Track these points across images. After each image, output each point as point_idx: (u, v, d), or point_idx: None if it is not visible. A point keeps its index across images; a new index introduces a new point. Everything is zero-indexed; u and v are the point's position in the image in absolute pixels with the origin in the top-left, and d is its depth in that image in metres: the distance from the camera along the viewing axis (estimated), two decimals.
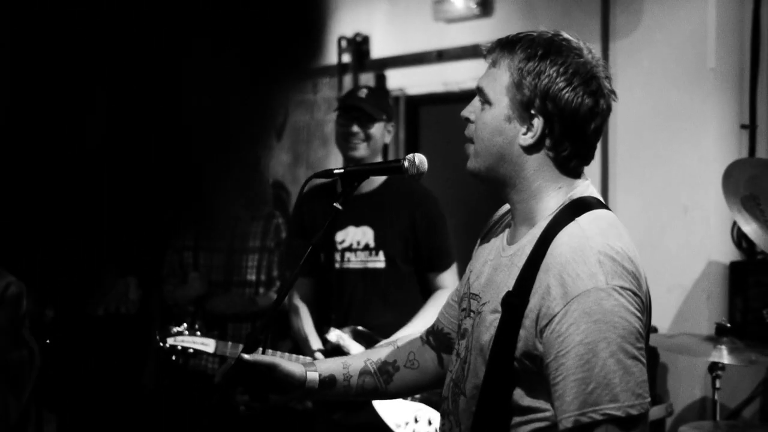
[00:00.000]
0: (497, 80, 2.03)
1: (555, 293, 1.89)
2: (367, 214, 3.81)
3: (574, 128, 2.00)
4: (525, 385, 1.97)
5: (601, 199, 2.10)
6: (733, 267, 4.73)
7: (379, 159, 3.88)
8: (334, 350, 3.66)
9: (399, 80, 6.64)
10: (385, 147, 4.06)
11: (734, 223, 4.71)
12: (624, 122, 5.19)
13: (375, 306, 3.79)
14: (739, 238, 4.76)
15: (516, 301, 1.96)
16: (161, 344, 3.71)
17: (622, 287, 1.88)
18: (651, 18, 5.04)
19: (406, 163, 2.42)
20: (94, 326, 4.96)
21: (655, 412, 4.62)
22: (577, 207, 2.02)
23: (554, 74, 1.98)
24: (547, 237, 1.97)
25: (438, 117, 6.51)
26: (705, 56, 4.84)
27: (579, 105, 1.99)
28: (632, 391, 1.84)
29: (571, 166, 2.06)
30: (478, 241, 2.34)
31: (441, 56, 6.30)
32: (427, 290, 3.87)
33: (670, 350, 4.47)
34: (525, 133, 2.02)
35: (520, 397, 1.98)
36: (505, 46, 2.06)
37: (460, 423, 2.11)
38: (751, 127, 4.73)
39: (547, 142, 2.02)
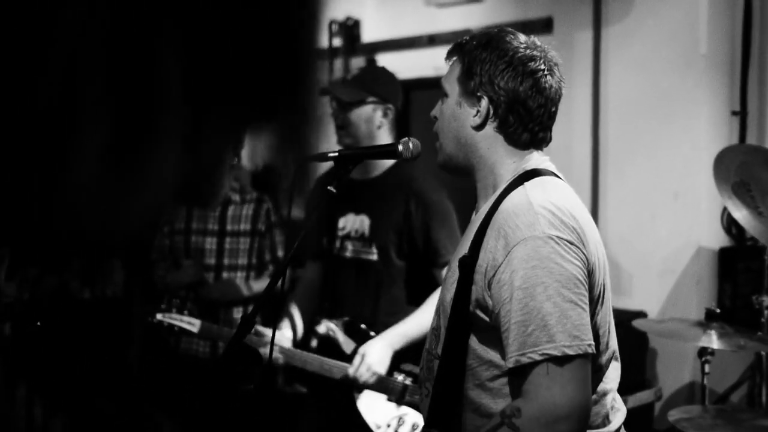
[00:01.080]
0: (452, 73, 2.25)
1: (499, 245, 2.05)
2: (367, 202, 3.65)
3: (517, 104, 2.18)
4: (483, 338, 2.13)
5: (557, 172, 2.26)
6: (723, 253, 4.75)
7: (378, 141, 3.61)
8: (323, 342, 3.62)
9: (390, 64, 6.59)
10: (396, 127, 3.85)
11: (724, 209, 4.73)
12: (615, 108, 5.20)
13: (365, 299, 3.67)
14: (729, 224, 4.78)
15: (469, 260, 2.13)
16: (149, 319, 3.75)
17: (558, 237, 2.03)
18: (643, 4, 5.04)
19: (400, 147, 2.44)
20: (81, 309, 4.95)
21: (644, 397, 4.65)
22: (528, 175, 2.18)
23: (495, 59, 2.18)
24: (498, 202, 2.14)
25: (429, 101, 6.45)
26: (697, 42, 4.85)
27: (519, 83, 2.18)
28: (569, 332, 1.98)
29: (522, 141, 2.23)
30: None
31: (432, 41, 6.30)
32: (426, 287, 3.60)
33: (659, 335, 4.49)
34: (475, 115, 2.21)
35: (484, 351, 2.13)
36: (461, 43, 2.27)
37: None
38: (741, 114, 4.74)
39: (496, 120, 2.21)
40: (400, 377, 3.37)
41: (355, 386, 3.41)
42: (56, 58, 0.64)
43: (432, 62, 6.22)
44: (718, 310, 3.95)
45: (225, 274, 4.53)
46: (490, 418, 2.10)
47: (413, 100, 6.74)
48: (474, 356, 2.16)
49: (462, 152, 2.27)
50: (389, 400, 3.39)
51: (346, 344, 3.56)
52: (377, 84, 3.75)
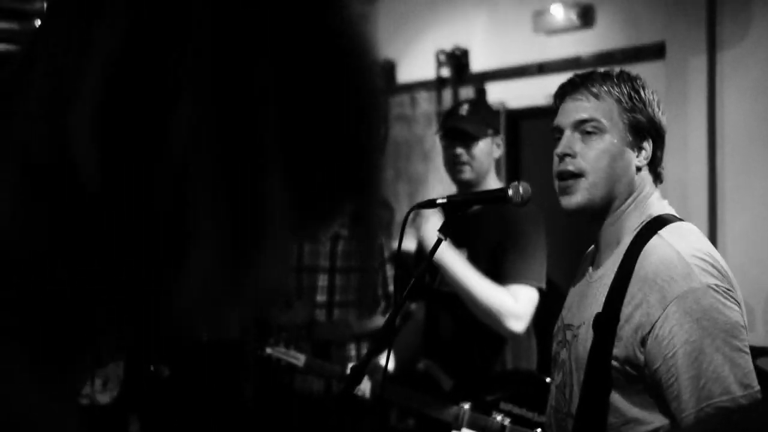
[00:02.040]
0: (606, 109, 2.17)
1: (652, 300, 1.98)
2: (465, 235, 3.50)
3: (664, 142, 2.23)
4: (627, 394, 2.05)
5: (677, 215, 2.23)
6: None
7: (491, 175, 3.59)
8: (423, 379, 3.57)
9: (499, 93, 6.58)
10: (498, 161, 3.85)
11: None
12: (732, 135, 5.04)
13: (462, 336, 3.62)
14: None
15: (606, 318, 2.06)
16: (259, 352, 3.80)
17: (716, 285, 1.98)
18: (760, 26, 4.88)
19: (510, 191, 2.39)
20: (198, 350, 4.99)
21: None
22: (657, 222, 2.14)
23: (651, 96, 2.20)
24: (633, 252, 2.08)
25: (539, 130, 6.41)
26: None
27: (664, 120, 2.24)
28: (740, 381, 1.93)
29: (660, 178, 2.26)
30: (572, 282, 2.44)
31: (542, 69, 6.23)
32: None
33: None
34: (638, 155, 2.19)
35: (627, 408, 2.05)
36: (603, 78, 2.21)
37: None
38: None
39: (651, 162, 2.22)
40: (498, 417, 3.29)
41: (454, 425, 3.35)
42: (169, 165, 0.66)
43: (542, 90, 6.14)
44: None
45: (337, 311, 4.49)
46: None
47: (523, 129, 6.67)
48: (617, 414, 2.07)
49: (614, 196, 2.19)
50: None
51: (446, 382, 3.51)
52: (492, 115, 3.77)
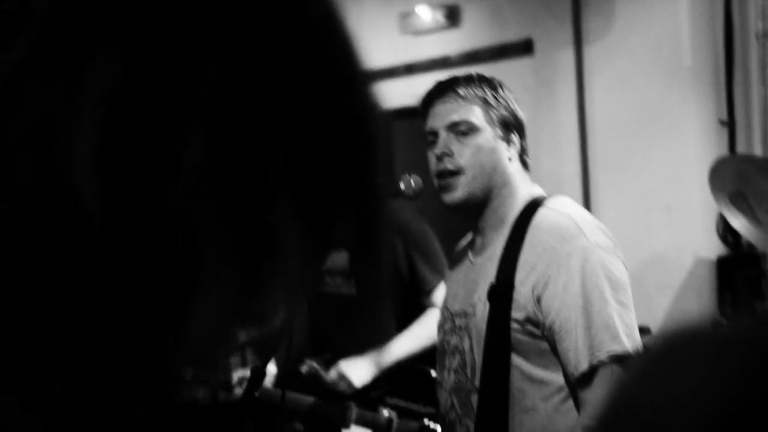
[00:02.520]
0: (471, 110, 2.33)
1: (546, 259, 2.14)
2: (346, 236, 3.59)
3: (524, 132, 2.43)
4: (531, 357, 2.18)
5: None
6: (721, 262, 4.76)
7: None
8: (308, 380, 3.56)
9: None
10: None
11: (719, 218, 4.74)
12: (602, 126, 5.21)
13: (348, 334, 3.63)
14: (725, 233, 4.79)
15: (501, 287, 2.20)
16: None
17: (605, 244, 2.17)
18: (624, 20, 5.07)
19: (402, 185, 2.42)
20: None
21: None
22: (539, 200, 2.33)
23: (506, 93, 2.41)
24: (521, 225, 2.24)
25: (410, 130, 6.47)
26: (680, 55, 4.88)
27: (524, 120, 2.45)
28: (627, 335, 2.09)
29: (528, 167, 2.43)
30: (447, 275, 2.60)
31: (410, 69, 6.29)
32: (414, 317, 3.58)
33: None
34: (509, 148, 2.37)
35: (531, 370, 2.18)
36: (466, 81, 2.38)
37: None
38: (730, 123, 4.76)
39: (520, 152, 2.41)
40: (385, 411, 3.32)
41: (342, 423, 3.35)
42: (176, 203, 0.64)
43: (411, 91, 6.19)
44: (724, 321, 3.96)
45: None
46: None
47: (393, 130, 6.74)
48: (521, 377, 2.19)
49: (491, 186, 2.34)
50: None
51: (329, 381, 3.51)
52: None
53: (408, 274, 3.52)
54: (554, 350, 2.15)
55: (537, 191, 2.38)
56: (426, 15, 6.18)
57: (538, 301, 2.15)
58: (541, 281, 2.14)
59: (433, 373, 3.26)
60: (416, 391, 3.28)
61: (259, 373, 2.39)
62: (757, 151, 4.67)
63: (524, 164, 2.41)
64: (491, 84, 2.39)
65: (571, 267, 2.11)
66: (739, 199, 4.20)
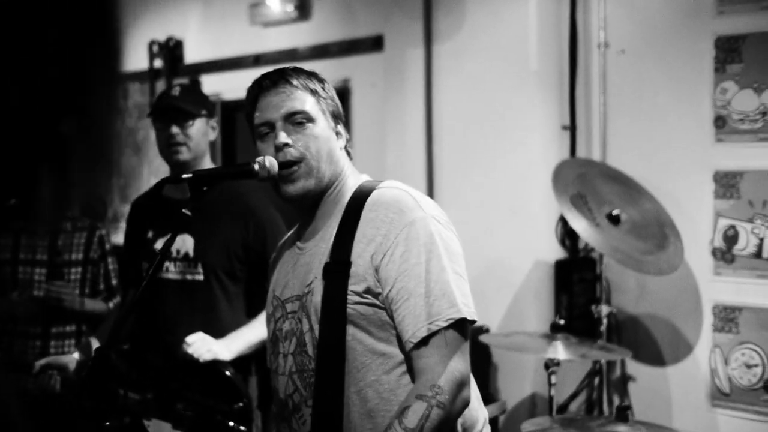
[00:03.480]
0: (305, 100, 2.35)
1: (383, 230, 2.19)
2: (187, 220, 3.50)
3: (346, 127, 2.47)
4: (371, 330, 2.21)
5: None
6: (558, 265, 4.85)
7: (207, 158, 3.57)
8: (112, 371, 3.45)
9: (215, 85, 6.50)
10: (213, 145, 3.81)
11: (558, 222, 4.84)
12: (449, 125, 5.24)
13: (188, 321, 3.51)
14: (563, 237, 4.89)
15: (337, 263, 2.23)
16: None
17: (440, 217, 2.24)
18: (474, 21, 5.11)
19: (256, 166, 2.37)
20: None
21: (491, 410, 4.67)
22: (371, 183, 2.37)
23: (329, 87, 2.44)
24: (356, 204, 2.28)
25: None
26: (527, 59, 4.95)
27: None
28: (464, 302, 2.16)
29: (351, 158, 2.47)
30: (270, 267, 2.60)
31: (258, 60, 6.21)
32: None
33: (508, 349, 4.55)
34: (339, 136, 2.42)
35: (372, 343, 2.21)
36: (297, 73, 2.41)
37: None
38: (571, 128, 4.86)
39: (347, 141, 2.45)
40: (180, 405, 3.23)
41: (144, 414, 3.25)
42: None
43: None
44: (562, 322, 4.04)
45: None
46: (384, 417, 2.18)
47: (239, 121, 6.63)
48: (362, 351, 2.21)
49: (329, 175, 2.36)
50: (175, 428, 3.24)
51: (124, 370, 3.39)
52: (205, 98, 3.74)
53: (261, 262, 3.42)
54: (393, 320, 2.19)
55: (366, 178, 2.43)
56: (276, 6, 6.10)
57: (377, 270, 2.18)
58: (380, 251, 2.18)
59: (228, 373, 3.25)
60: (212, 387, 3.21)
61: (102, 357, 2.27)
62: (597, 156, 4.77)
63: (348, 154, 2.46)
64: (318, 77, 2.43)
65: (410, 236, 2.16)
66: (580, 202, 4.29)
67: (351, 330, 2.20)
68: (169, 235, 3.45)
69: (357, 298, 2.19)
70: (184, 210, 2.42)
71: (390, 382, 2.20)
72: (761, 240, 4.37)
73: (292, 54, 6.04)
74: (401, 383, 2.20)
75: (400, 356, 2.20)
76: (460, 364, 2.14)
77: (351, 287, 2.19)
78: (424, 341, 2.13)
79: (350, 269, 2.20)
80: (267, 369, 2.53)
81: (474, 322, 2.20)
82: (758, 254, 4.38)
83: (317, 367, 2.24)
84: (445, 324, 2.12)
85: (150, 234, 3.59)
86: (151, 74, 6.78)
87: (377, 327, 2.20)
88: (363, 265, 2.19)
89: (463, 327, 2.16)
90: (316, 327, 2.25)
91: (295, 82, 2.35)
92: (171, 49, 6.72)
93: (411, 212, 2.19)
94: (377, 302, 2.19)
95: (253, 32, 6.31)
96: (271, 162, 2.46)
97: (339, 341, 2.20)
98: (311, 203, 2.38)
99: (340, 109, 2.45)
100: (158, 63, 6.79)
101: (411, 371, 2.19)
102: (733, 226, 4.41)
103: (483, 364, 4.83)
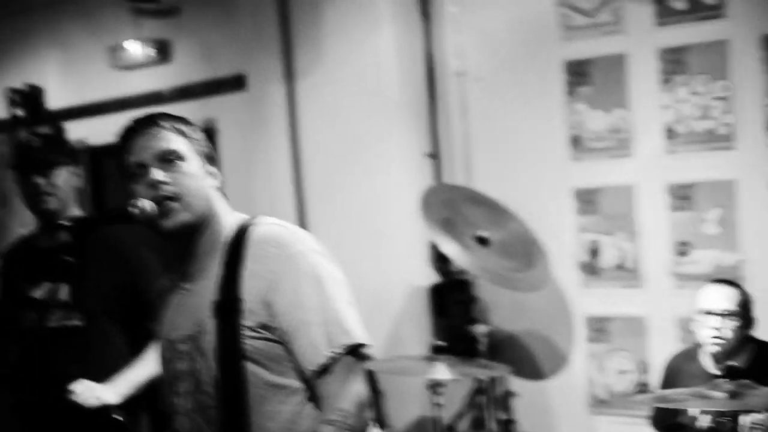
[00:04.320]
0: (173, 140, 2.36)
1: (269, 265, 2.23)
2: (62, 268, 3.41)
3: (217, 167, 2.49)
4: (268, 364, 2.24)
5: None
6: (433, 290, 4.96)
7: (74, 206, 3.46)
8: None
9: (80, 131, 6.42)
10: (81, 191, 3.78)
11: (430, 247, 4.94)
12: (314, 158, 5.30)
13: (71, 368, 3.50)
14: (436, 261, 5.00)
15: (226, 301, 2.26)
16: None
17: (320, 250, 2.30)
18: (332, 55, 5.18)
19: (135, 210, 2.40)
20: None
21: None
22: (248, 220, 2.38)
23: (196, 128, 2.44)
24: (237, 243, 2.31)
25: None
26: (386, 90, 5.04)
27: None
28: (356, 327, 2.23)
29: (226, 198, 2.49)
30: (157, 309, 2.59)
31: (123, 105, 6.17)
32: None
33: (391, 373, 4.62)
34: (211, 175, 2.41)
35: (270, 378, 2.24)
36: (164, 117, 2.40)
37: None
38: (435, 155, 4.99)
39: (219, 181, 2.46)
40: None
41: None
42: None
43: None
44: (442, 343, 4.13)
45: None
46: None
47: (106, 166, 6.57)
48: (260, 385, 2.24)
49: (203, 213, 2.37)
50: None
51: None
52: (65, 145, 3.75)
53: (133, 299, 3.43)
54: (289, 352, 2.24)
55: (241, 216, 2.45)
56: (136, 49, 6.08)
57: (269, 305, 2.22)
58: (269, 287, 2.22)
59: (118, 417, 3.22)
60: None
61: None
62: (461, 181, 4.91)
63: (224, 194, 2.49)
64: (186, 120, 2.46)
65: (297, 269, 2.22)
66: (448, 226, 4.41)
67: (248, 365, 2.24)
68: (47, 283, 3.49)
69: (251, 333, 2.22)
70: (65, 257, 2.42)
71: (288, 411, 2.25)
72: (622, 252, 4.58)
73: (156, 96, 6.03)
74: (301, 412, 2.25)
75: (298, 385, 2.25)
76: (360, 386, 2.21)
77: (244, 323, 2.23)
78: (325, 368, 2.18)
79: (242, 306, 2.23)
80: (157, 407, 2.55)
81: (368, 345, 2.26)
82: (621, 266, 4.59)
83: (221, 405, 2.27)
84: (341, 350, 2.18)
85: (23, 283, 3.56)
86: (12, 123, 6.65)
87: (272, 360, 2.24)
88: (253, 301, 2.23)
89: (358, 352, 2.22)
90: (213, 365, 2.27)
91: (164, 124, 2.36)
92: (31, 97, 6.60)
93: (292, 246, 2.25)
94: (272, 336, 2.23)
95: (115, 76, 6.28)
96: (150, 205, 2.51)
97: (238, 377, 2.23)
98: (188, 240, 2.39)
99: (211, 151, 2.47)
100: (19, 111, 6.66)
101: (313, 399, 2.25)
102: (595, 240, 4.62)
103: (369, 391, 4.89)
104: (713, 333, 3.61)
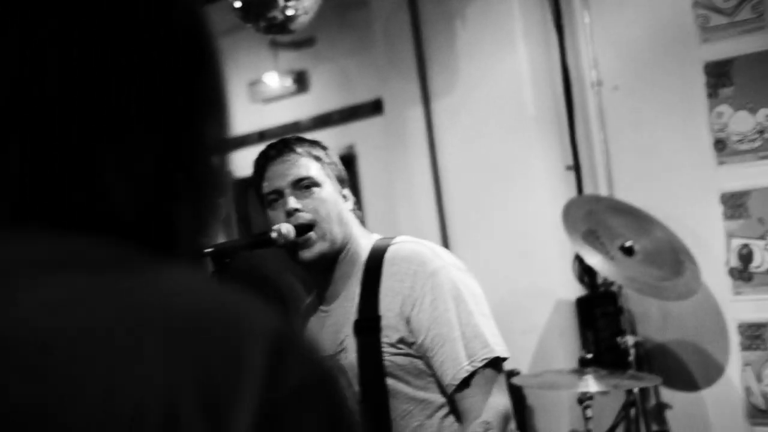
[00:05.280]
0: (309, 166, 2.46)
1: (408, 283, 2.30)
2: None
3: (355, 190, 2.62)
4: (409, 380, 2.31)
5: None
6: (580, 302, 4.92)
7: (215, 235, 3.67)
8: None
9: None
10: (224, 222, 3.85)
11: (574, 260, 4.91)
12: (455, 179, 5.34)
13: None
14: (581, 274, 4.96)
15: (366, 319, 2.32)
16: None
17: (459, 265, 2.38)
18: (468, 77, 5.22)
19: (274, 234, 2.45)
20: None
21: None
22: (384, 241, 2.48)
23: (333, 153, 2.57)
24: (374, 263, 2.39)
25: None
26: (523, 106, 5.06)
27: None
28: (495, 341, 2.31)
29: (361, 221, 2.59)
30: None
31: (263, 136, 6.33)
32: None
33: (539, 388, 4.60)
34: (347, 199, 2.53)
35: (413, 392, 2.31)
36: (299, 142, 2.54)
37: None
38: (575, 167, 4.96)
39: (354, 204, 2.56)
40: None
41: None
42: None
43: None
44: (589, 356, 4.09)
45: None
46: None
47: (250, 197, 6.73)
48: (404, 400, 2.31)
49: (340, 237, 2.44)
50: None
51: None
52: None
53: None
54: (430, 367, 2.28)
55: (376, 236, 2.52)
56: (274, 82, 6.24)
57: (408, 321, 2.27)
58: (408, 302, 2.27)
59: None
60: None
61: None
62: (603, 191, 4.87)
63: (358, 217, 2.57)
64: (320, 144, 2.54)
65: (435, 285, 2.27)
66: (591, 238, 4.37)
67: (390, 381, 2.29)
68: None
69: (392, 350, 2.28)
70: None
71: (433, 425, 2.30)
72: None
73: (294, 126, 6.18)
74: (444, 425, 2.30)
75: (441, 400, 2.30)
76: (502, 398, 2.26)
77: (384, 340, 2.28)
78: (466, 382, 2.23)
79: (381, 323, 2.29)
80: None
81: (506, 358, 2.31)
82: None
83: (364, 422, 2.31)
84: (481, 364, 2.23)
85: None
86: None
87: (414, 376, 2.30)
88: (393, 317, 2.28)
89: (497, 364, 2.28)
90: (355, 383, 2.32)
91: (299, 149, 2.45)
92: None
93: (431, 263, 2.31)
94: (412, 351, 2.28)
95: (254, 109, 6.45)
96: (288, 228, 2.54)
97: (381, 393, 2.29)
98: (326, 266, 2.46)
99: (345, 173, 2.54)
100: None
101: (454, 413, 2.27)
102: (746, 245, 4.50)
103: (518, 407, 4.86)
104: None
